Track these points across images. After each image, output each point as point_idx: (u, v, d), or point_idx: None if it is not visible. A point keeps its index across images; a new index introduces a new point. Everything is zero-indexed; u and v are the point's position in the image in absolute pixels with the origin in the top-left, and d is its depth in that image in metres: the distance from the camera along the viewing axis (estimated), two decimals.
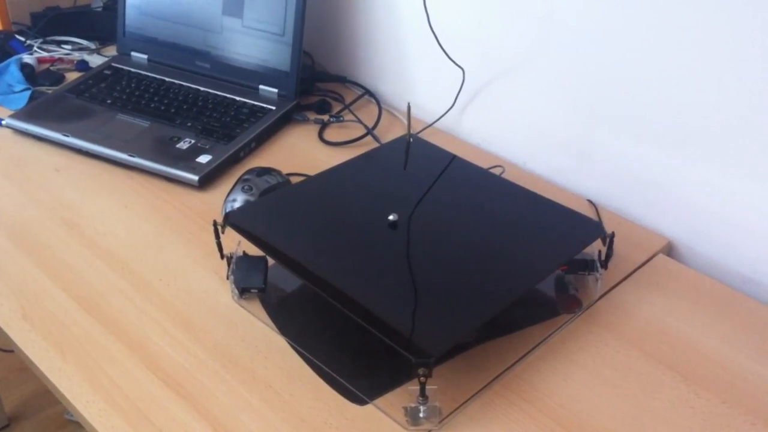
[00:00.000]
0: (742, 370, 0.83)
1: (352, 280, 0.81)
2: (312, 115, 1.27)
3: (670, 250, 1.03)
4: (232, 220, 0.89)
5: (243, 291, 0.89)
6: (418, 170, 1.01)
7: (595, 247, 0.91)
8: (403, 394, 0.78)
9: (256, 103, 1.25)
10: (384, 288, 0.80)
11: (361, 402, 0.78)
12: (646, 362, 0.83)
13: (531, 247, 0.88)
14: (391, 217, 0.89)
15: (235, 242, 0.90)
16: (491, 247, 0.88)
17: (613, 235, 0.90)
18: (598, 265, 0.90)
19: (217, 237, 0.89)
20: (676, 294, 0.93)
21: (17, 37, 1.43)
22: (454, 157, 1.03)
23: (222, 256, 0.90)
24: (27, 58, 1.36)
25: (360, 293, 0.79)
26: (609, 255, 0.92)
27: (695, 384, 0.81)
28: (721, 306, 0.91)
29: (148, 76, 1.32)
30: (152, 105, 1.24)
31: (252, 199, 1.01)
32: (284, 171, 1.09)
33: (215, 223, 0.88)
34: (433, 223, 0.89)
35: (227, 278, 0.91)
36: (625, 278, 0.95)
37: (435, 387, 0.75)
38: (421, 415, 0.75)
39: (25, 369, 0.83)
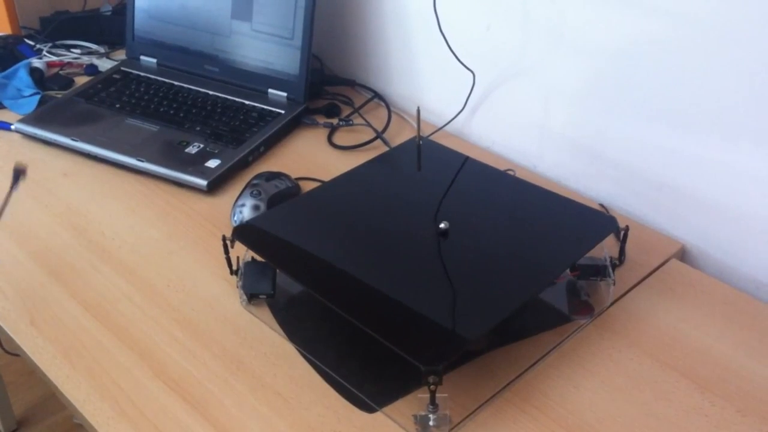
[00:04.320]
0: (758, 377, 0.82)
1: (360, 288, 0.80)
2: (321, 119, 1.27)
3: (683, 254, 1.02)
4: (241, 233, 0.88)
5: (251, 297, 0.89)
6: (430, 173, 1.00)
7: (607, 253, 0.90)
8: (413, 402, 0.77)
9: (265, 107, 1.25)
10: (393, 295, 0.79)
11: (370, 410, 0.77)
12: (659, 369, 0.82)
13: (545, 244, 0.87)
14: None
15: (244, 247, 0.89)
16: (504, 248, 0.87)
17: (627, 229, 0.89)
18: (610, 270, 0.89)
19: (226, 252, 0.88)
20: (690, 300, 0.92)
21: (26, 41, 1.43)
22: (467, 158, 1.02)
23: (232, 272, 0.89)
24: (36, 63, 1.36)
25: (369, 301, 0.79)
26: (623, 250, 0.91)
27: (709, 392, 0.80)
28: (735, 312, 0.90)
29: (157, 80, 1.31)
30: (161, 109, 1.24)
31: (261, 203, 1.00)
32: (293, 175, 1.09)
33: (224, 239, 0.88)
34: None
35: (237, 286, 0.91)
36: (638, 284, 0.94)
37: (445, 395, 0.74)
38: (431, 423, 0.74)
39: (34, 373, 0.83)
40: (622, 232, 0.89)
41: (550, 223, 0.91)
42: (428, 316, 0.76)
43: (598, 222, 0.91)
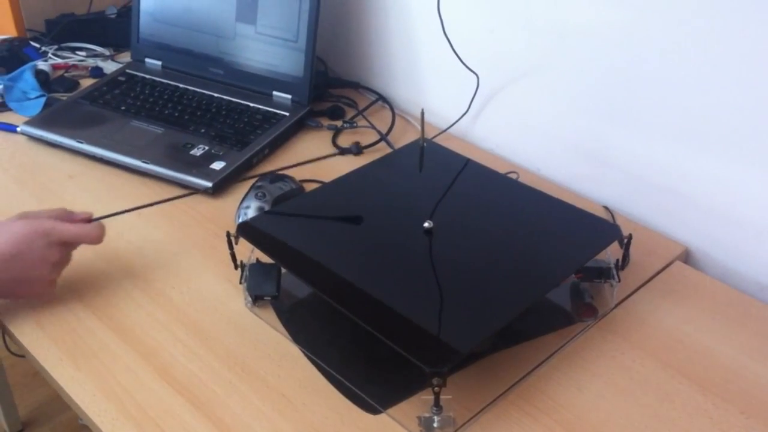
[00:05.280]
0: (762, 379, 0.82)
1: (365, 289, 0.81)
2: (325, 121, 1.27)
3: (687, 257, 1.02)
4: (245, 230, 0.88)
5: (256, 298, 0.89)
6: (433, 175, 1.00)
7: (611, 255, 0.90)
8: (417, 404, 0.77)
9: (269, 109, 1.25)
10: (398, 296, 0.79)
11: (374, 411, 0.78)
12: (663, 372, 0.82)
13: (547, 251, 0.87)
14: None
15: (249, 249, 0.90)
16: (507, 252, 0.87)
17: (630, 237, 0.89)
18: (614, 272, 0.89)
19: (231, 248, 0.88)
20: (693, 302, 0.92)
21: (32, 43, 1.44)
22: (468, 161, 1.03)
23: (236, 267, 0.90)
24: (41, 65, 1.37)
25: (374, 302, 0.79)
26: (626, 257, 0.91)
27: (713, 394, 0.80)
28: (739, 314, 0.90)
29: (162, 82, 1.32)
30: (166, 111, 1.24)
31: (265, 205, 1.01)
32: (297, 177, 1.09)
33: (228, 234, 0.88)
34: (448, 228, 0.88)
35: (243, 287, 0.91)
36: (642, 286, 0.94)
37: (449, 396, 0.74)
38: (435, 425, 0.74)
39: (39, 374, 0.83)
40: (626, 240, 0.89)
41: (553, 229, 0.91)
42: (433, 319, 0.76)
43: (602, 229, 0.91)
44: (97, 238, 0.89)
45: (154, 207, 1.05)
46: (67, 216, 0.90)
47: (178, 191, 1.09)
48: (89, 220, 0.91)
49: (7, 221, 0.86)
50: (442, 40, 1.18)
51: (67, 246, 0.88)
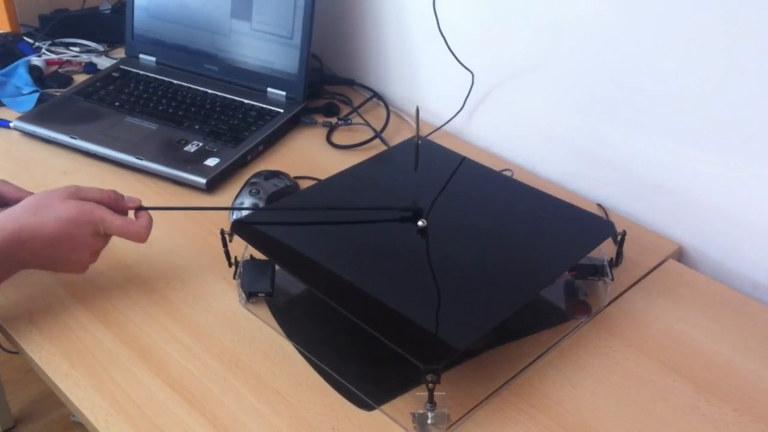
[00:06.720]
0: (754, 376, 0.82)
1: (359, 286, 0.81)
2: (320, 118, 1.27)
3: (680, 255, 1.02)
4: (239, 228, 0.88)
5: (250, 295, 0.89)
6: (427, 173, 1.00)
7: (605, 253, 0.91)
8: (411, 400, 0.77)
9: (264, 106, 1.25)
10: (392, 293, 0.79)
11: (368, 408, 0.78)
12: (656, 369, 0.83)
13: (542, 248, 0.87)
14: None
15: (243, 245, 0.90)
16: (502, 249, 0.87)
17: (624, 233, 0.89)
18: (608, 270, 0.89)
19: (225, 245, 0.88)
20: (687, 300, 0.92)
21: (26, 39, 1.43)
22: (463, 158, 1.03)
23: (230, 265, 0.89)
24: (35, 61, 1.36)
25: (368, 299, 0.79)
26: (620, 254, 0.91)
27: (706, 391, 0.80)
28: (732, 312, 0.90)
29: (156, 78, 1.31)
30: (160, 108, 1.24)
31: (260, 202, 1.00)
32: (292, 174, 1.09)
33: (223, 232, 0.88)
34: (444, 226, 0.89)
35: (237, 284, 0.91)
36: (635, 283, 0.94)
37: (443, 393, 0.74)
38: (429, 421, 0.74)
39: (31, 370, 0.83)
40: (620, 237, 0.89)
41: (548, 226, 0.91)
42: (427, 316, 0.76)
43: (596, 226, 0.91)
44: (143, 239, 0.87)
45: (149, 204, 1.05)
46: (116, 201, 0.87)
47: (173, 187, 1.09)
48: (138, 207, 0.89)
49: (55, 198, 0.84)
50: (437, 37, 1.18)
51: (111, 236, 0.87)
